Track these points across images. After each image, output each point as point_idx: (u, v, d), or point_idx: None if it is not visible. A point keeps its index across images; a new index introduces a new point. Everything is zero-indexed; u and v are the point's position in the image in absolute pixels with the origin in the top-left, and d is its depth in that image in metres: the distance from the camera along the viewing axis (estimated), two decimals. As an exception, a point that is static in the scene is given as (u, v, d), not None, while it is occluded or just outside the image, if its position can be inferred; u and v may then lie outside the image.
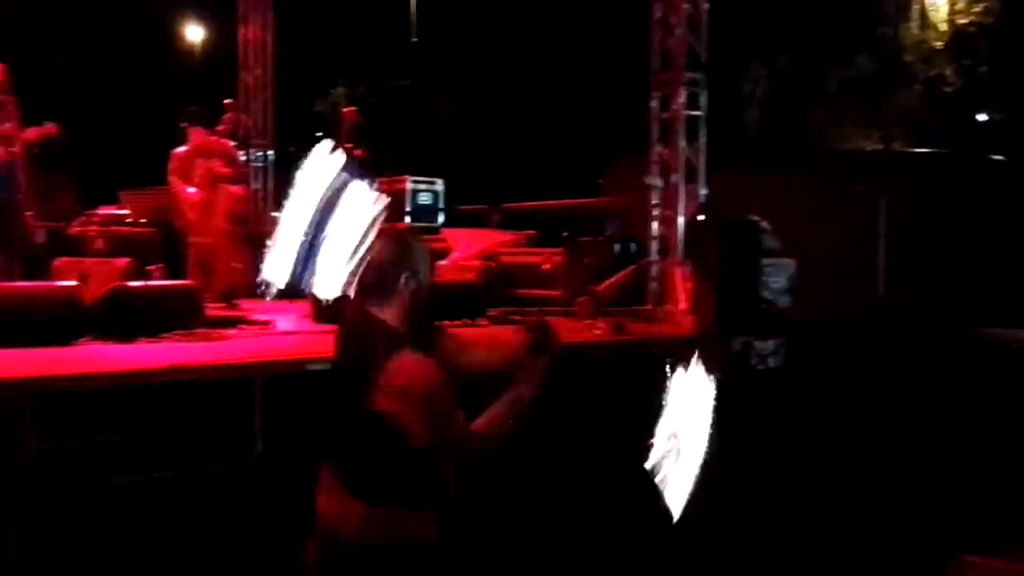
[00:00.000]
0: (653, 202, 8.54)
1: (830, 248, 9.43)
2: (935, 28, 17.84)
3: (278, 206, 9.47)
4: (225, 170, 7.68)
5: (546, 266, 8.66)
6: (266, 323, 6.33)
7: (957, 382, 6.51)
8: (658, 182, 8.54)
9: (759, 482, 5.75)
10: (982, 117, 18.39)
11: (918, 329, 7.43)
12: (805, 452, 6.37)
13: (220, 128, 7.80)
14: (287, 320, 6.78)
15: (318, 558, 2.62)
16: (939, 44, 17.83)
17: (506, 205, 10.60)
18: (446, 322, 6.63)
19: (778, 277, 8.32)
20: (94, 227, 8.67)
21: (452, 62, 19.67)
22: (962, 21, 17.75)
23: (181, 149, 7.89)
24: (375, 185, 2.63)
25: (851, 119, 18.27)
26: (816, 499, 5.87)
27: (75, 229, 8.89)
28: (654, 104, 8.54)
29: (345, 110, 8.56)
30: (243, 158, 10.61)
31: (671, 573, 5.06)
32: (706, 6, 8.34)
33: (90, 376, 4.48)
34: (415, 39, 15.74)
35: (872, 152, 17.09)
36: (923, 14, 18.00)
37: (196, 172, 7.69)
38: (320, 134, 18.79)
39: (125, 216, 8.08)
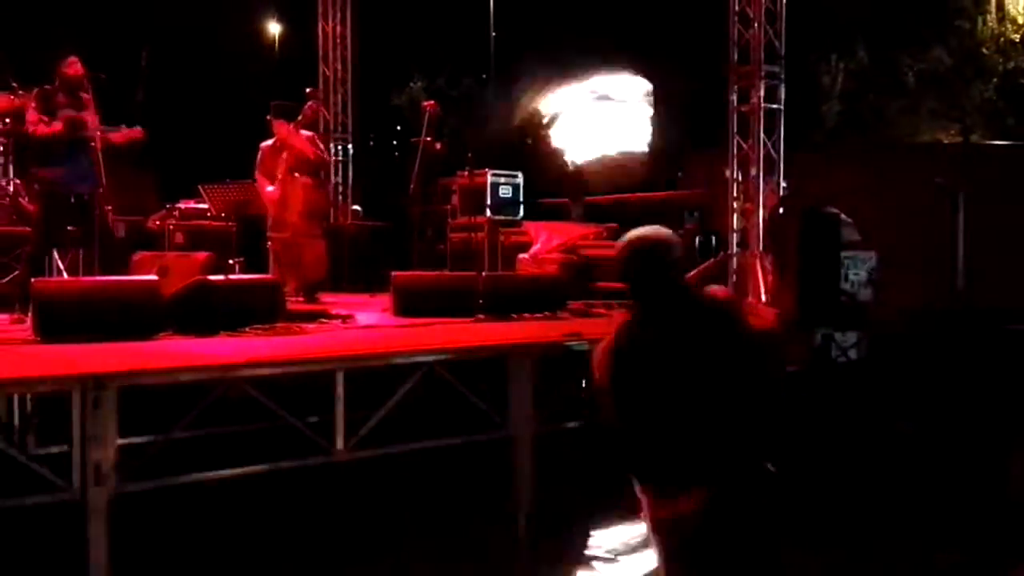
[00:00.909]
0: (732, 195, 8.27)
1: (910, 241, 8.99)
2: (1013, 21, 17.02)
3: (358, 199, 9.22)
4: (302, 162, 7.39)
5: (628, 259, 8.26)
6: (347, 317, 6.02)
7: None
8: (737, 175, 8.23)
9: (835, 471, 5.49)
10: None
11: (997, 323, 6.94)
12: (881, 444, 6.03)
13: (300, 119, 7.51)
14: (368, 314, 6.49)
15: None
16: (1016, 37, 16.99)
17: (587, 198, 10.27)
18: (526, 315, 6.38)
19: (858, 269, 7.97)
20: (173, 221, 8.47)
21: (530, 55, 19.30)
22: (1042, 12, 16.91)
23: (267, 143, 7.64)
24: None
25: (929, 112, 17.60)
26: (890, 492, 5.54)
27: (154, 223, 8.71)
28: (732, 97, 8.32)
29: (425, 103, 8.24)
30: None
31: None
32: None
33: (171, 370, 4.20)
34: (494, 32, 15.45)
35: (950, 145, 16.42)
36: (1000, 6, 17.18)
37: (279, 167, 7.43)
38: (399, 128, 18.64)
39: (205, 210, 7.85)
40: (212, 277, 5.59)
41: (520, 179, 9.52)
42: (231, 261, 6.49)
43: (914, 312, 7.84)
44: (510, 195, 9.37)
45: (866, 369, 7.11)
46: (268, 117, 7.59)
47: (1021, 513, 5.28)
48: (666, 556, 2.68)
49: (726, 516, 2.57)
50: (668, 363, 2.62)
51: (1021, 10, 17.11)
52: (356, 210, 10.78)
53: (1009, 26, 17.12)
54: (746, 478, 2.60)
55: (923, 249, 8.69)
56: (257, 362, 4.38)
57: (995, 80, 16.95)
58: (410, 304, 6.30)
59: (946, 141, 16.96)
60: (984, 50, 17.06)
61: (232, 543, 4.49)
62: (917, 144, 16.46)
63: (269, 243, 7.50)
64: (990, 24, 17.14)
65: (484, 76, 19.00)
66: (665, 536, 2.65)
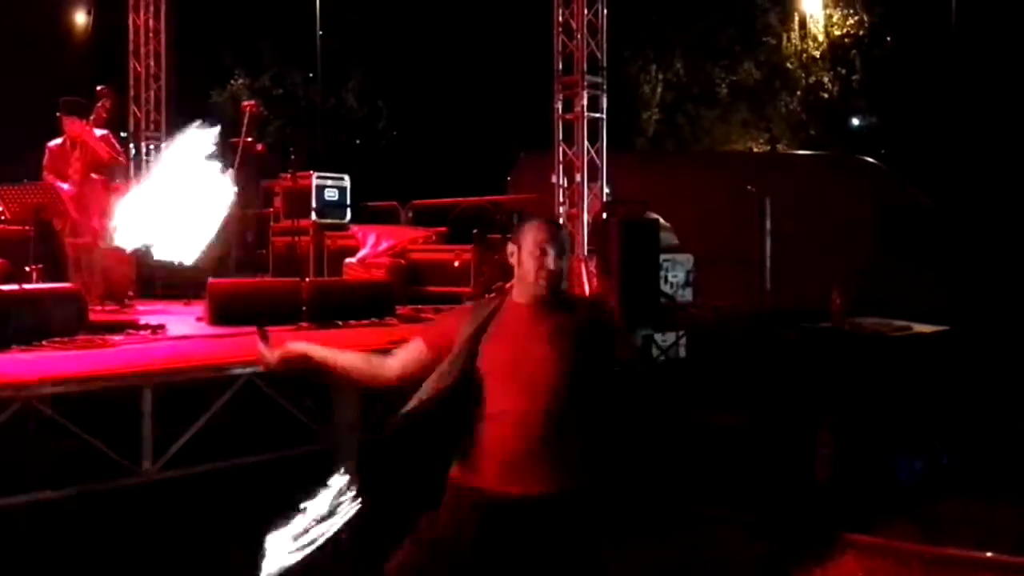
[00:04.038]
0: (559, 200, 8.38)
1: (723, 245, 9.41)
2: (814, 38, 18.24)
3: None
4: (101, 161, 6.93)
5: (456, 263, 8.31)
6: (157, 328, 5.65)
7: (834, 369, 6.53)
8: (563, 181, 8.37)
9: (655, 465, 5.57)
10: (856, 121, 18.88)
11: (799, 320, 7.34)
12: (700, 437, 6.27)
13: (92, 117, 7.03)
14: (181, 324, 6.12)
15: None
16: (817, 53, 18.21)
17: (415, 201, 10.19)
18: (353, 321, 6.23)
19: (676, 272, 8.33)
20: (-39, 227, 7.72)
21: (359, 55, 18.98)
22: (837, 33, 18.18)
23: (55, 142, 7.12)
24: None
25: (740, 122, 18.61)
26: (705, 483, 5.77)
27: (-60, 229, 7.90)
28: (558, 106, 8.48)
29: (245, 103, 7.91)
30: (132, 150, 9.79)
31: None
32: (605, 12, 8.28)
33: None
34: (320, 31, 15.10)
35: (759, 153, 17.43)
36: (803, 25, 18.37)
37: (72, 166, 6.92)
38: (219, 127, 17.85)
39: (-2, 214, 7.21)
40: (3, 287, 5.11)
41: (347, 181, 9.32)
42: (28, 269, 5.96)
43: (727, 311, 8.22)
44: (336, 198, 9.16)
45: (686, 367, 7.39)
46: (58, 114, 7.06)
47: (828, 493, 5.60)
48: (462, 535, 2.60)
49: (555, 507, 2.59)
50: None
51: (821, 29, 18.36)
52: None
53: (811, 43, 18.33)
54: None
55: (735, 252, 9.13)
56: (51, 380, 4.02)
57: (799, 93, 18.16)
58: (227, 312, 5.99)
59: (756, 150, 18.02)
60: (789, 65, 18.23)
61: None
62: (730, 152, 17.39)
63: (68, 249, 6.98)
64: (794, 41, 18.33)
65: (311, 75, 18.53)
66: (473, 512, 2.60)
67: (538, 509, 2.57)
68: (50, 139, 7.20)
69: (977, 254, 10.74)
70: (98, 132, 7.16)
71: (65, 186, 6.85)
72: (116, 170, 7.30)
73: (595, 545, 2.71)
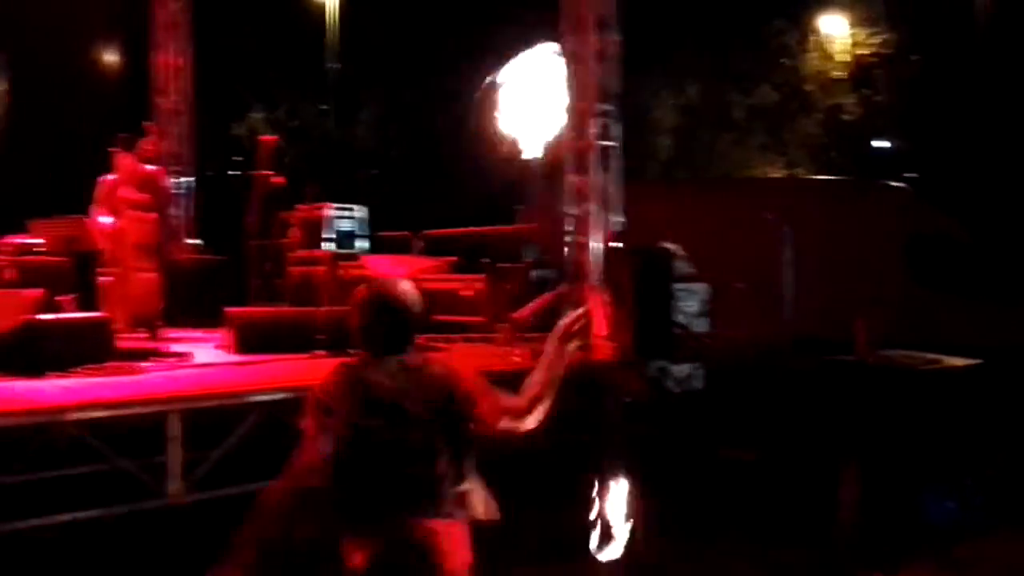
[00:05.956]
0: (569, 230, 8.55)
1: (741, 273, 9.51)
2: (834, 59, 18.28)
3: (197, 233, 9.15)
4: (137, 196, 7.43)
5: (467, 292, 8.47)
6: (182, 355, 6.07)
7: (861, 406, 6.51)
8: (574, 210, 8.57)
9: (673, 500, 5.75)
10: (879, 144, 18.77)
11: (820, 352, 7.39)
12: (715, 473, 6.48)
13: (137, 153, 7.54)
14: (205, 351, 6.53)
15: None
16: (838, 74, 18.24)
17: (427, 231, 10.47)
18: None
19: (691, 301, 8.36)
20: (4, 257, 8.24)
21: (373, 87, 19.47)
22: (862, 52, 18.19)
23: (109, 177, 7.59)
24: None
25: (759, 146, 18.58)
26: (728, 518, 5.95)
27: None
28: (570, 134, 8.60)
29: (263, 138, 8.32)
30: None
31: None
32: (616, 39, 8.33)
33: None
34: (337, 65, 15.54)
35: (779, 178, 17.39)
36: (821, 46, 18.45)
37: (119, 200, 7.44)
38: (240, 158, 18.38)
39: (36, 245, 7.70)
40: (41, 316, 5.58)
41: (360, 212, 9.63)
42: (61, 298, 6.43)
43: (746, 342, 8.31)
44: (351, 228, 9.49)
45: (702, 399, 7.51)
46: (112, 151, 7.56)
47: (852, 535, 5.63)
48: None
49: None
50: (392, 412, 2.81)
51: (840, 49, 18.37)
52: (197, 244, 10.66)
53: (831, 64, 18.33)
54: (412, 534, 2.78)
55: (754, 281, 9.24)
56: (86, 405, 4.42)
57: (818, 115, 18.15)
58: (249, 340, 6.39)
59: (775, 175, 18.00)
60: (807, 87, 18.24)
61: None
62: (748, 178, 17.35)
63: (101, 279, 7.45)
64: (812, 62, 18.34)
65: (324, 107, 19.06)
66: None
67: None
68: (85, 174, 7.70)
69: (1012, 284, 10.41)
70: (150, 167, 7.66)
71: (105, 219, 7.36)
72: (159, 204, 7.72)
73: None
